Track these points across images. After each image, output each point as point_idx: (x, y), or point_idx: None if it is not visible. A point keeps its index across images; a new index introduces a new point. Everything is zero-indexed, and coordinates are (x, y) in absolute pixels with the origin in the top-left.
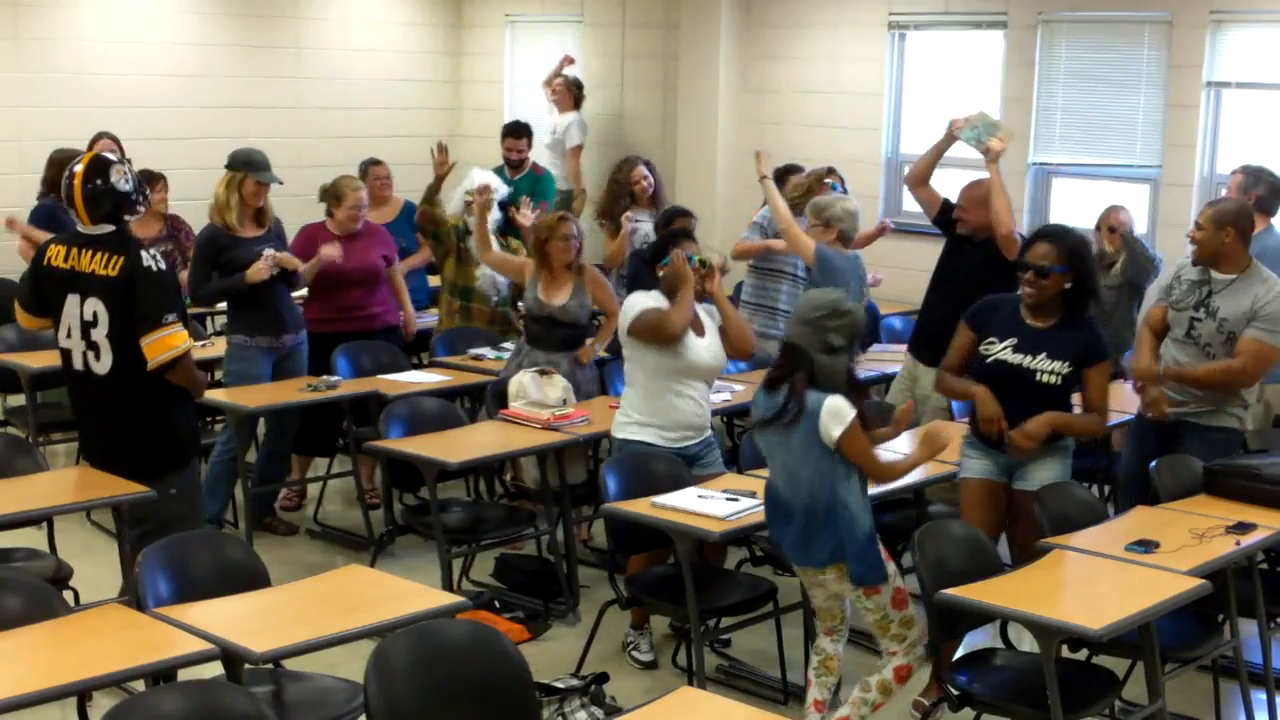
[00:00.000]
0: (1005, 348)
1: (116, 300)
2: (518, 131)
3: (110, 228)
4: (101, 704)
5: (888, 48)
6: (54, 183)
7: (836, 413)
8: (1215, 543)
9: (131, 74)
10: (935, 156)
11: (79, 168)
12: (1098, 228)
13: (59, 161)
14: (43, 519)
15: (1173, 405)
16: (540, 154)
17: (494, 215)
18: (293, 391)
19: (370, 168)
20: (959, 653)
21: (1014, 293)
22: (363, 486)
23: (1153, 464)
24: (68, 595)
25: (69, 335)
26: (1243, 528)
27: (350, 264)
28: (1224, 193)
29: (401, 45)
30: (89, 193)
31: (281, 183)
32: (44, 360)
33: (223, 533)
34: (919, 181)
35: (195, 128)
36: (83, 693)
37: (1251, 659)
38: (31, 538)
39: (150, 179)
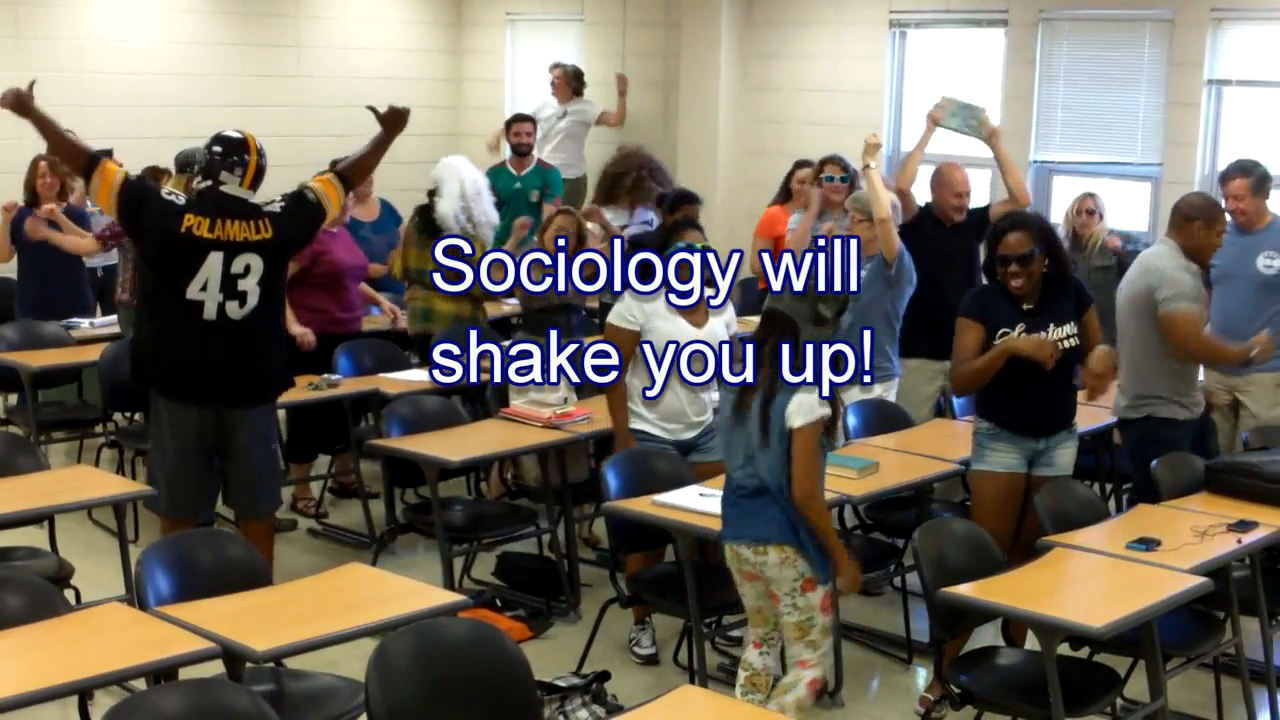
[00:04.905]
0: (1019, 333)
1: (279, 252)
2: (525, 117)
3: (254, 195)
4: (102, 703)
5: (888, 46)
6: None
7: (809, 406)
8: (1216, 540)
9: (133, 73)
10: (920, 154)
11: (258, 143)
12: (1075, 213)
13: None
14: (44, 518)
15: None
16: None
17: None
18: (294, 391)
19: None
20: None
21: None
22: (362, 482)
23: (1154, 462)
24: (69, 594)
25: (203, 289)
26: (1244, 525)
27: (350, 259)
28: (1226, 202)
29: (402, 44)
30: (261, 166)
31: None
32: (45, 359)
33: (224, 531)
34: (911, 183)
35: (196, 126)
36: (84, 691)
37: (1253, 657)
38: (32, 536)
39: (155, 174)
